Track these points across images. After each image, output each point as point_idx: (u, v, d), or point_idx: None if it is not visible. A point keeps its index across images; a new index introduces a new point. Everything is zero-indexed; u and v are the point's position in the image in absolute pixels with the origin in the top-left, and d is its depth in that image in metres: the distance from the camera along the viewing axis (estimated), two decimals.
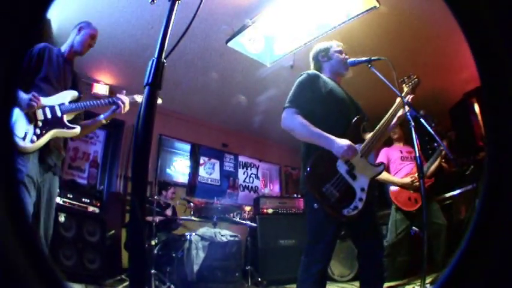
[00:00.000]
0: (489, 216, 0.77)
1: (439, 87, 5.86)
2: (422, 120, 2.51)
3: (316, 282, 2.18)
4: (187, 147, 7.40)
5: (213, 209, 5.65)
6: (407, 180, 4.14)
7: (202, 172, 7.51)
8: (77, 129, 2.65)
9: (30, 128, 2.45)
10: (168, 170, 6.96)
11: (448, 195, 5.20)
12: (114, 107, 2.79)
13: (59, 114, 2.58)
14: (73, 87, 2.81)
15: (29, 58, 2.61)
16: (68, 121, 2.63)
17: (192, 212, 5.33)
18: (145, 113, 1.09)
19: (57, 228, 4.08)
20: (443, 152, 4.22)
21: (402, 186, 4.16)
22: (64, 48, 2.86)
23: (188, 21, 1.32)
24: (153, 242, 4.55)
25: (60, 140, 2.69)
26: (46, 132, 2.49)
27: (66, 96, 2.68)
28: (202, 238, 4.66)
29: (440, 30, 4.49)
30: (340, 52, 2.68)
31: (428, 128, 2.50)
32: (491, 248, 0.74)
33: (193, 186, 7.22)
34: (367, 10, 4.23)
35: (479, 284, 0.74)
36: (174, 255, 4.59)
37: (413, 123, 2.65)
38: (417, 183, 4.05)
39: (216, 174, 7.77)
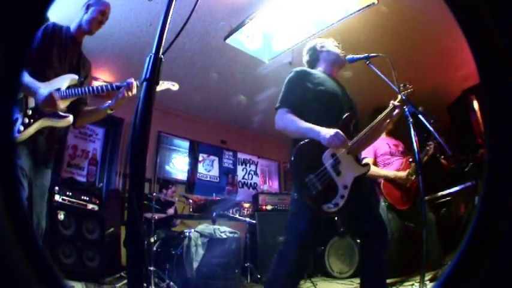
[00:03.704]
0: (489, 215, 0.77)
1: (438, 84, 5.86)
2: (420, 116, 2.51)
3: (289, 276, 2.17)
4: (186, 144, 7.40)
5: (212, 206, 5.66)
6: (402, 174, 4.07)
7: (201, 169, 7.52)
8: (69, 118, 2.40)
9: (19, 117, 2.25)
10: (167, 167, 6.96)
11: (447, 192, 5.20)
12: (119, 94, 2.51)
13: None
14: (76, 70, 2.56)
15: (39, 43, 2.43)
16: (63, 108, 2.41)
17: (191, 209, 5.33)
18: (142, 108, 1.09)
19: (56, 226, 4.08)
20: (430, 152, 4.15)
21: (396, 180, 4.09)
22: (73, 27, 2.63)
23: (186, 17, 1.32)
24: (152, 239, 4.55)
25: (55, 131, 2.46)
26: (34, 121, 2.28)
27: (64, 81, 2.42)
28: (202, 235, 4.66)
29: (439, 27, 4.48)
30: (338, 46, 2.67)
31: (427, 124, 2.49)
32: (491, 248, 0.74)
33: (192, 183, 7.22)
34: (366, 7, 4.22)
35: (479, 283, 0.74)
36: (173, 252, 4.60)
37: (411, 120, 2.65)
38: (411, 181, 4.04)
39: (215, 171, 7.77)
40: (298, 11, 4.48)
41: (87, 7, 2.66)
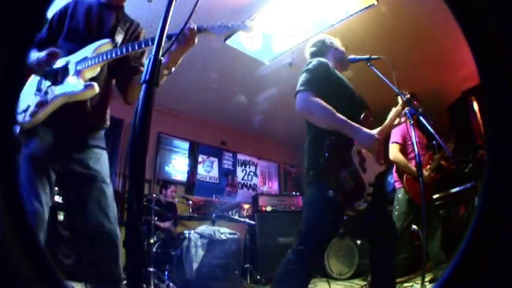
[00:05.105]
0: (489, 215, 0.77)
1: (438, 85, 5.87)
2: (421, 117, 2.51)
3: (301, 281, 2.10)
4: (186, 145, 7.39)
5: (212, 207, 5.66)
6: (425, 174, 4.00)
7: (201, 170, 7.51)
8: (92, 88, 1.92)
9: (35, 99, 1.93)
10: (166, 168, 6.95)
11: (447, 193, 5.20)
12: (172, 47, 1.80)
13: (71, 72, 1.96)
14: (111, 35, 2.12)
15: (50, 21, 2.12)
16: (92, 78, 1.99)
17: (191, 210, 5.33)
18: (142, 110, 1.09)
19: (56, 227, 4.08)
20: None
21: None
22: None
23: (186, 18, 1.32)
24: (151, 240, 4.55)
25: (81, 104, 2.00)
26: (51, 100, 1.91)
27: (91, 48, 2.00)
28: (202, 236, 4.66)
29: (439, 28, 4.48)
30: (343, 47, 2.66)
31: (427, 125, 2.50)
32: (491, 248, 0.74)
33: (192, 184, 7.22)
34: (366, 8, 4.23)
35: (479, 283, 0.74)
36: (173, 253, 4.59)
37: (412, 121, 2.65)
38: (430, 180, 4.05)
39: (215, 172, 7.77)
40: (298, 11, 4.49)
41: None
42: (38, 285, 0.85)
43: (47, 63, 1.94)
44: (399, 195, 4.14)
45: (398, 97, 2.67)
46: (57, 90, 1.94)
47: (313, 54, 2.60)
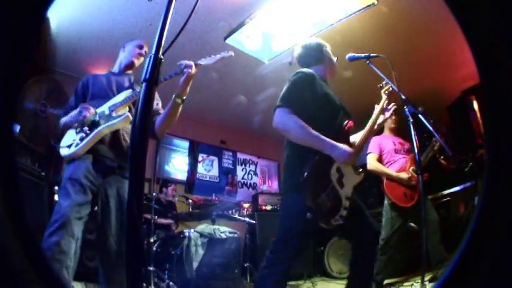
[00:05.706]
0: (489, 215, 0.77)
1: (438, 84, 5.87)
2: (421, 116, 2.51)
3: (278, 282, 2.11)
4: (186, 144, 7.40)
5: (212, 206, 5.65)
6: (404, 176, 4.06)
7: (200, 169, 7.52)
8: (126, 116, 2.50)
9: (79, 135, 2.45)
10: (166, 167, 6.95)
11: (446, 192, 5.20)
12: (180, 80, 2.53)
13: (107, 112, 2.52)
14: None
15: (75, 92, 2.71)
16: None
17: (190, 209, 5.33)
18: (142, 109, 1.09)
19: None
20: (436, 147, 4.17)
21: (398, 181, 4.09)
22: (114, 69, 2.91)
23: (186, 17, 1.32)
24: (151, 239, 4.54)
25: (117, 134, 2.59)
26: (91, 132, 2.44)
27: (119, 97, 2.59)
28: (202, 235, 4.65)
29: (439, 28, 4.49)
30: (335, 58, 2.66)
31: (427, 124, 2.49)
32: (491, 248, 0.74)
33: (191, 183, 7.22)
34: (366, 7, 4.22)
35: (479, 283, 0.74)
36: (173, 252, 4.59)
37: (411, 120, 2.65)
38: (414, 182, 4.01)
39: (215, 171, 7.77)
40: (298, 11, 4.48)
41: (123, 47, 3.00)
42: (38, 285, 0.85)
43: (80, 113, 2.46)
44: (385, 202, 4.19)
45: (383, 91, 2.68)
46: (97, 124, 2.47)
47: (306, 58, 2.67)
